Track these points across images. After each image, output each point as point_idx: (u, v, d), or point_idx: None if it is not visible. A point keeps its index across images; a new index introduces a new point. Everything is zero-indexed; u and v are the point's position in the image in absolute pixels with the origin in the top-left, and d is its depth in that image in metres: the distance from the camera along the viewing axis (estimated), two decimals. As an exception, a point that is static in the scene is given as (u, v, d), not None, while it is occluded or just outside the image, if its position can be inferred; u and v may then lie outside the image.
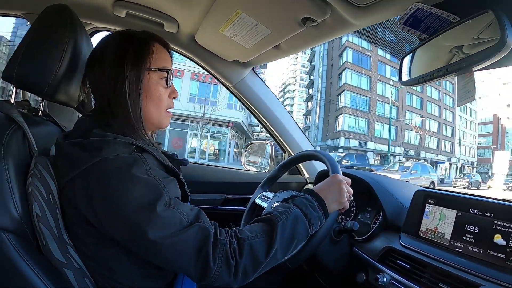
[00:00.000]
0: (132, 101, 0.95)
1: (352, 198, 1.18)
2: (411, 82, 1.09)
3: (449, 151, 51.62)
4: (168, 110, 1.08)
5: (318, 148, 2.27)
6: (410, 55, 1.11)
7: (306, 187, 2.13)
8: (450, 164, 51.48)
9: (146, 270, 0.94)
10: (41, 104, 1.18)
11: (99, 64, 0.97)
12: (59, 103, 1.14)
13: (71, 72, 1.07)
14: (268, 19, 1.34)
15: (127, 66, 0.95)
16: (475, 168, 57.10)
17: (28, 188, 0.88)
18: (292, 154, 2.11)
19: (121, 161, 0.84)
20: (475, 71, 0.92)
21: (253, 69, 2.05)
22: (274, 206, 1.40)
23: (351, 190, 1.15)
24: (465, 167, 55.99)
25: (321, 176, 1.83)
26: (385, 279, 1.18)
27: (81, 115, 1.06)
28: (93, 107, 1.06)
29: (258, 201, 1.63)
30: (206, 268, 0.82)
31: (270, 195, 1.60)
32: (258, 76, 2.09)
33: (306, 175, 2.25)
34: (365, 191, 1.53)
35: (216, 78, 2.06)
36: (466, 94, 0.95)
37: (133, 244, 0.85)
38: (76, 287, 0.86)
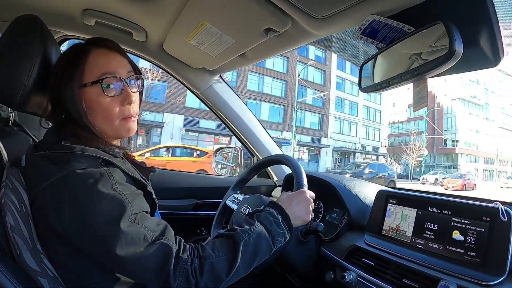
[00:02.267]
0: (80, 117, 0.95)
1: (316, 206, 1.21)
2: (369, 89, 1.13)
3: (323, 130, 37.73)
4: (127, 117, 1.01)
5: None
6: (369, 62, 1.14)
7: (274, 191, 2.19)
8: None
9: (118, 278, 0.94)
10: (11, 114, 1.17)
11: (53, 78, 0.99)
12: (30, 113, 1.13)
13: (41, 83, 1.05)
14: (232, 29, 1.36)
15: (63, 86, 0.95)
16: (381, 158, 45.87)
17: (2, 199, 0.88)
18: (261, 158, 2.14)
19: (87, 175, 0.84)
20: (429, 78, 0.97)
21: (220, 76, 2.07)
22: (242, 213, 1.43)
23: (313, 204, 1.18)
24: (355, 154, 42.44)
25: (289, 179, 1.86)
26: (351, 276, 1.23)
27: (51, 125, 1.06)
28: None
29: (228, 202, 1.65)
30: (167, 285, 0.83)
31: (240, 197, 1.62)
32: (226, 83, 2.12)
33: (275, 178, 2.29)
34: (332, 193, 1.57)
35: (184, 85, 2.08)
36: (420, 99, 1.00)
37: (100, 256, 0.86)
38: None
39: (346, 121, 42.07)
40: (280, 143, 31.78)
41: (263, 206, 1.12)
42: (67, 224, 0.83)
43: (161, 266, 0.84)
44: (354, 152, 42.72)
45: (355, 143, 43.27)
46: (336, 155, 41.35)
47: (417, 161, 42.02)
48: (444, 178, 30.37)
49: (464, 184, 27.50)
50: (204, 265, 0.87)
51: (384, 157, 47.02)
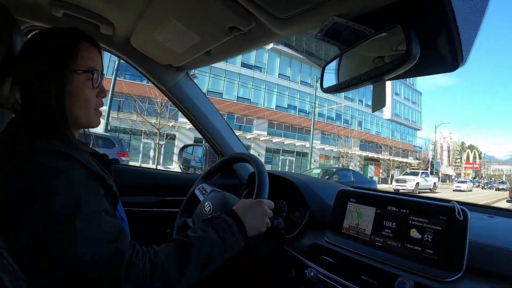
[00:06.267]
0: (57, 104, 0.93)
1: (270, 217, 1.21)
2: (330, 90, 1.14)
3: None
4: (97, 109, 1.07)
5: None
6: (331, 63, 1.16)
7: (240, 190, 2.19)
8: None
9: None
10: None
11: (25, 64, 0.96)
12: None
13: (4, 74, 1.03)
14: (197, 26, 1.36)
15: (52, 69, 0.94)
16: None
17: None
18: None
19: (45, 171, 0.82)
20: (386, 80, 0.99)
21: (187, 73, 2.06)
22: (205, 210, 1.42)
23: (271, 213, 1.19)
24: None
25: (252, 177, 1.85)
26: (312, 274, 1.25)
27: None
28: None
29: (197, 192, 1.64)
30: None
31: (208, 188, 1.61)
32: (192, 80, 2.11)
33: (241, 177, 2.30)
34: (295, 192, 1.59)
35: (150, 81, 2.06)
36: (379, 101, 1.02)
37: (57, 257, 0.82)
38: None
39: None
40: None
41: (219, 213, 1.11)
42: (23, 220, 0.80)
43: (113, 269, 0.82)
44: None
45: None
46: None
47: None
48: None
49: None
50: (155, 271, 0.86)
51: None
